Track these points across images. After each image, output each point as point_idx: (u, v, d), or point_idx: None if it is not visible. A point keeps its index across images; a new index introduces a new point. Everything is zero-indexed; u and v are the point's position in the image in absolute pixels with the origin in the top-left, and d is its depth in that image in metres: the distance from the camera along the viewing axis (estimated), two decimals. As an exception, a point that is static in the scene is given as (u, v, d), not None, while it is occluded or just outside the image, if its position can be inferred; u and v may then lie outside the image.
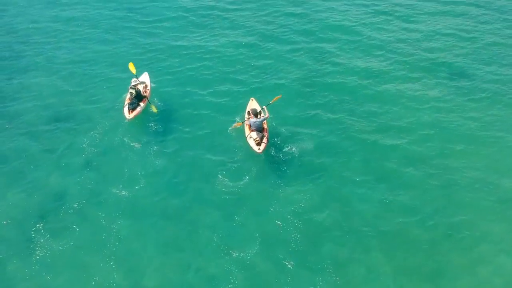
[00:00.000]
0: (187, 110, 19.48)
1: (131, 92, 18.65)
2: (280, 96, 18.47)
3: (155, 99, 19.71)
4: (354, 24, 24.65)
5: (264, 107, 17.88)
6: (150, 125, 18.63)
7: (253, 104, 18.82)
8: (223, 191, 15.98)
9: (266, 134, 17.45)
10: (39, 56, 22.81)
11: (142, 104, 18.87)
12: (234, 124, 17.98)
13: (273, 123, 18.54)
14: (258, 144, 16.95)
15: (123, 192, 15.95)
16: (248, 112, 17.93)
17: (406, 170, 16.65)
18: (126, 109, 18.58)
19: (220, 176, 16.45)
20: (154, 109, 18.87)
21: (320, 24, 24.74)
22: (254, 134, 17.09)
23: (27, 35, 24.47)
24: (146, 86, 19.67)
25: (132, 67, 19.80)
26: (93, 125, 18.60)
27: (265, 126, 17.72)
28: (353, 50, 22.79)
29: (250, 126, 17.46)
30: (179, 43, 23.55)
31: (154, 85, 20.36)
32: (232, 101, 19.77)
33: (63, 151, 17.58)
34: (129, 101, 18.66)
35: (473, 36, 23.81)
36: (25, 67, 22.06)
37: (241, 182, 16.22)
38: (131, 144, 17.81)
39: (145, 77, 20.40)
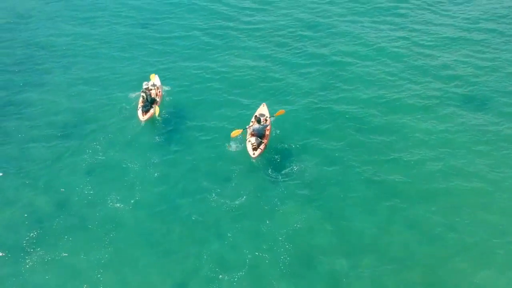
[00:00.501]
0: (193, 127, 19.48)
1: (142, 96, 19.33)
2: (283, 111, 18.54)
3: (164, 112, 19.97)
4: (368, 48, 24.25)
5: (269, 117, 18.37)
6: (155, 138, 18.81)
7: (263, 110, 19.06)
8: (218, 208, 15.80)
9: (265, 141, 17.64)
10: (53, 69, 23.27)
11: (154, 106, 19.59)
12: (234, 132, 17.84)
13: (277, 141, 18.44)
14: (255, 149, 17.21)
15: (119, 205, 15.97)
16: (255, 116, 18.01)
17: (408, 203, 16.00)
18: (140, 112, 19.32)
19: (216, 193, 16.29)
20: (157, 111, 19.18)
21: (333, 48, 24.40)
22: (253, 139, 17.30)
23: (45, 47, 25.06)
24: (157, 88, 20.25)
25: (153, 77, 20.34)
26: (97, 137, 18.80)
27: (267, 133, 17.91)
28: (365, 75, 22.25)
29: (252, 130, 17.64)
30: (190, 61, 23.67)
31: (168, 88, 21.17)
32: (237, 120, 19.60)
33: (67, 161, 17.82)
34: (142, 104, 19.41)
35: (492, 65, 22.76)
36: (39, 79, 22.54)
37: (237, 200, 16.00)
38: (133, 156, 17.94)
39: (155, 79, 20.98)
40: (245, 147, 17.77)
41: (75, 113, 20.23)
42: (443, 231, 14.89)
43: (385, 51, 23.76)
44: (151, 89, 19.77)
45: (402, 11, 27.35)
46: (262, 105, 19.43)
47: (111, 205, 15.96)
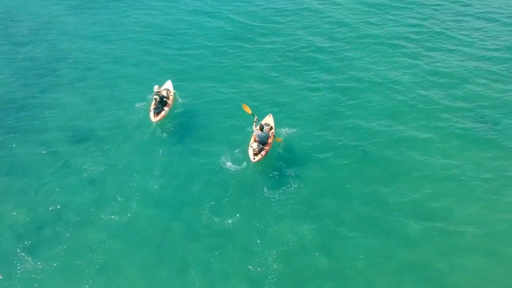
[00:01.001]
0: (198, 137, 19.69)
1: (155, 98, 20.17)
2: (281, 140, 19.08)
3: (170, 124, 20.45)
4: (381, 67, 23.81)
5: (268, 120, 19.39)
6: (159, 150, 19.01)
7: (269, 120, 19.59)
8: (210, 225, 15.79)
9: (267, 148, 18.21)
10: (69, 77, 23.82)
11: (166, 108, 20.60)
12: (246, 107, 18.94)
13: (278, 158, 18.42)
14: (255, 154, 17.83)
15: (114, 217, 16.19)
16: (260, 124, 18.32)
17: (407, 226, 15.63)
18: (151, 114, 20.28)
19: (211, 208, 16.32)
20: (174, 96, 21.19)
21: (344, 72, 23.81)
22: (254, 145, 18.09)
23: (64, 56, 25.69)
24: (169, 92, 21.27)
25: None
26: (103, 147, 19.16)
27: (269, 141, 18.42)
28: (373, 101, 21.61)
29: (255, 137, 18.15)
30: (202, 76, 23.76)
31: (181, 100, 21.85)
32: (243, 134, 19.65)
33: (71, 168, 18.20)
34: (154, 106, 20.36)
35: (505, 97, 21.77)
36: (55, 86, 23.13)
37: (230, 218, 15.96)
38: (135, 167, 18.20)
39: (168, 85, 22.03)
40: (246, 158, 18.03)
41: (85, 122, 20.66)
42: (440, 270, 14.38)
43: (395, 78, 23.02)
44: (162, 92, 20.64)
45: (416, 37, 26.50)
46: (268, 115, 19.87)
47: (106, 216, 16.20)
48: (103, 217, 16.17)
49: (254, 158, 17.71)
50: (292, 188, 16.98)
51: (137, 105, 21.23)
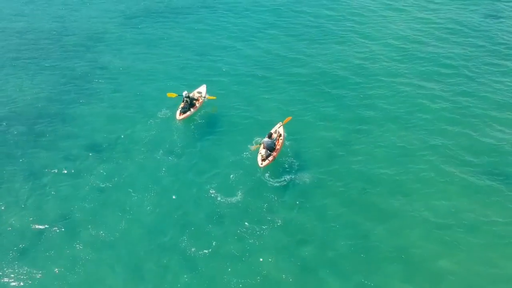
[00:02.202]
0: (216, 149, 21.08)
1: (186, 100, 22.49)
2: (290, 117, 20.88)
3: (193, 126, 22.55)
4: (399, 108, 23.68)
5: (278, 128, 20.83)
6: (162, 168, 20.03)
7: (279, 128, 20.97)
8: (194, 255, 16.54)
9: (275, 154, 19.69)
10: (103, 90, 25.51)
11: (192, 109, 22.77)
12: (252, 147, 20.37)
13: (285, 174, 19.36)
14: (263, 160, 19.33)
15: (111, 227, 17.44)
16: (270, 132, 19.99)
17: (389, 272, 15.69)
18: (178, 112, 22.53)
19: (202, 232, 17.22)
20: (210, 97, 23.23)
21: (365, 103, 24.01)
22: (263, 151, 19.63)
23: (103, 69, 27.48)
24: (200, 95, 23.47)
25: (171, 95, 22.78)
26: (119, 159, 20.52)
27: (277, 147, 19.98)
28: (389, 138, 21.57)
29: (264, 144, 19.61)
30: (226, 97, 24.82)
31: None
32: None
33: (84, 178, 19.53)
34: (182, 106, 22.62)
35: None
36: (87, 97, 24.87)
37: (210, 245, 16.70)
38: (143, 183, 19.30)
39: (202, 88, 24.14)
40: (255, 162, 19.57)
41: (104, 134, 22.03)
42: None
43: (411, 120, 22.63)
44: (192, 96, 22.95)
45: (442, 78, 25.87)
46: (279, 123, 21.24)
47: (104, 226, 17.43)
48: (101, 225, 17.43)
49: (261, 164, 19.22)
50: (277, 224, 17.46)
51: (154, 122, 22.52)
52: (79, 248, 16.65)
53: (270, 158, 19.49)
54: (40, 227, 17.43)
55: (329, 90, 24.90)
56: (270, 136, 19.70)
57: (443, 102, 23.64)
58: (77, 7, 35.17)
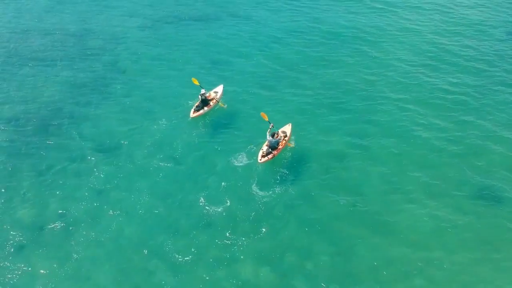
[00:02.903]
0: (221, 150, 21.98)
1: (202, 100, 23.85)
2: (290, 124, 22.35)
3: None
4: (398, 124, 23.64)
5: (287, 136, 21.90)
6: (159, 174, 20.82)
7: (287, 128, 22.32)
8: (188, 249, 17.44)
9: (275, 152, 20.91)
10: (116, 92, 26.57)
11: (206, 108, 24.14)
12: (264, 114, 21.58)
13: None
14: (263, 156, 20.56)
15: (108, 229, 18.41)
16: (277, 132, 21.46)
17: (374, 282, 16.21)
18: (192, 110, 23.89)
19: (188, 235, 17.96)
20: (222, 105, 24.46)
21: (367, 112, 24.40)
22: (265, 148, 21.03)
23: (121, 70, 28.66)
24: (216, 94, 24.75)
25: (195, 81, 23.97)
26: (122, 161, 21.44)
27: (279, 147, 21.15)
28: (389, 148, 21.95)
29: (268, 142, 20.98)
30: (242, 98, 25.68)
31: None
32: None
33: (85, 178, 20.58)
34: (197, 105, 24.03)
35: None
36: (101, 98, 25.99)
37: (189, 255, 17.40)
38: (142, 186, 20.25)
39: (219, 88, 25.36)
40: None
41: (115, 137, 22.99)
42: None
43: (413, 143, 22.39)
44: (207, 94, 24.26)
45: (444, 104, 25.12)
46: (288, 124, 22.61)
47: (98, 226, 18.42)
48: (105, 220, 18.65)
49: (260, 159, 20.48)
50: (262, 231, 18.02)
51: (160, 127, 23.36)
52: (72, 245, 17.68)
53: (270, 155, 20.71)
54: (38, 223, 18.54)
55: (333, 104, 25.11)
56: (273, 135, 20.96)
57: (442, 126, 23.38)
58: (102, 11, 36.49)
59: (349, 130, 23.14)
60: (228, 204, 19.04)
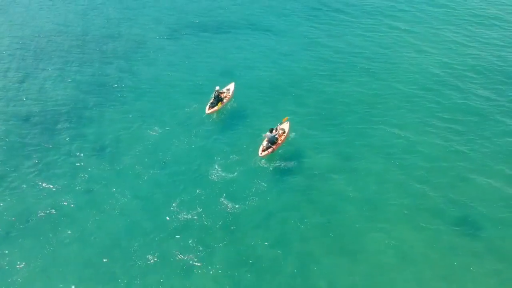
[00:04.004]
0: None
1: (215, 97, 25.76)
2: (287, 117, 24.10)
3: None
4: (392, 147, 23.79)
5: (282, 125, 23.85)
6: (161, 170, 22.10)
7: (285, 125, 24.10)
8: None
9: (274, 147, 22.83)
10: (128, 95, 28.04)
11: (220, 104, 26.02)
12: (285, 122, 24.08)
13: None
14: (263, 150, 22.49)
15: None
16: (277, 127, 23.44)
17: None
18: (207, 106, 25.91)
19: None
20: (219, 107, 25.92)
21: (364, 132, 24.79)
22: (265, 143, 22.98)
23: (135, 75, 30.03)
24: (228, 92, 26.74)
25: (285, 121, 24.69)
26: (117, 164, 22.77)
27: (279, 141, 23.11)
28: (376, 170, 22.36)
29: (266, 137, 22.81)
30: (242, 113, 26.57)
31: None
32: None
33: (79, 177, 22.08)
34: (211, 101, 25.94)
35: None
36: (111, 101, 27.48)
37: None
38: (123, 186, 21.55)
39: (230, 86, 27.48)
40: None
41: (116, 140, 24.36)
42: None
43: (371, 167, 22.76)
44: (221, 92, 26.24)
45: (442, 130, 25.36)
46: (285, 118, 24.36)
47: (80, 224, 19.85)
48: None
49: (260, 153, 22.39)
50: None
51: (161, 135, 24.55)
52: (53, 239, 19.13)
53: (269, 149, 22.58)
54: (27, 216, 20.09)
55: (328, 123, 25.53)
56: (271, 131, 22.70)
57: (432, 155, 23.28)
58: (130, 18, 37.92)
59: (339, 150, 23.58)
60: (199, 211, 20.10)
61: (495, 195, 20.95)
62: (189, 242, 18.88)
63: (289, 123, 24.29)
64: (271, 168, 22.32)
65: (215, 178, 21.67)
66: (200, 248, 18.60)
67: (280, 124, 24.03)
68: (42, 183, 21.70)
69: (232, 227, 19.46)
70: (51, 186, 21.50)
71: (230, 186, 21.24)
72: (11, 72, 30.14)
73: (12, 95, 27.94)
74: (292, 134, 24.14)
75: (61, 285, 17.50)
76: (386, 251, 18.60)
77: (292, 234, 19.27)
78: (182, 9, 38.65)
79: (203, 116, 25.47)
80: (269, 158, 22.73)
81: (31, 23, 36.08)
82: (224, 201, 20.49)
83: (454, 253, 18.49)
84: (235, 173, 21.83)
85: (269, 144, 22.76)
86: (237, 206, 20.30)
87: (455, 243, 18.87)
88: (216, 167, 22.17)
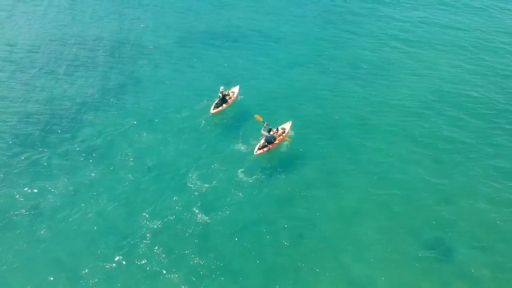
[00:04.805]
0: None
1: (219, 96, 26.56)
2: (290, 122, 25.23)
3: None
4: (379, 164, 23.52)
5: (283, 132, 24.56)
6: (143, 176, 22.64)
7: (287, 125, 25.08)
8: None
9: (270, 146, 23.56)
10: (130, 101, 28.63)
11: (224, 105, 26.79)
12: (258, 116, 24.64)
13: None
14: (259, 149, 23.22)
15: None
16: (277, 128, 24.45)
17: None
18: (212, 107, 26.59)
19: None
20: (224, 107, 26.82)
21: (354, 146, 24.65)
22: (262, 141, 23.63)
23: (139, 78, 30.82)
24: (233, 94, 27.42)
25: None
26: (104, 168, 23.31)
27: (276, 142, 23.82)
28: (357, 187, 22.20)
29: (264, 137, 23.56)
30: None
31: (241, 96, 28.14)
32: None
33: (66, 178, 22.68)
34: (216, 102, 26.70)
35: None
36: (112, 106, 28.06)
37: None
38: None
39: (235, 89, 28.19)
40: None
41: (108, 145, 24.79)
42: None
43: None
44: (225, 93, 26.78)
45: (437, 152, 25.03)
46: (289, 122, 25.35)
47: (59, 223, 20.53)
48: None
49: (256, 152, 23.11)
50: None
51: (151, 137, 25.19)
52: (27, 237, 19.82)
53: (265, 148, 23.34)
54: (4, 213, 20.81)
55: (319, 136, 25.47)
56: (269, 131, 23.48)
57: (415, 178, 22.83)
58: (148, 23, 38.69)
59: (325, 165, 23.49)
60: (172, 219, 20.43)
61: (476, 219, 20.45)
62: (158, 248, 19.17)
63: (291, 123, 25.19)
64: (250, 181, 22.33)
65: (192, 186, 21.92)
66: (167, 255, 18.87)
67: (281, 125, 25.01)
68: (25, 181, 22.40)
69: (203, 236, 19.66)
70: (34, 185, 22.17)
71: (207, 195, 21.48)
72: (18, 74, 31.26)
73: (14, 95, 29.06)
74: (285, 143, 24.34)
75: (24, 282, 18.10)
76: (352, 270, 18.45)
77: (264, 247, 19.30)
78: (194, 19, 39.10)
79: (199, 120, 26.10)
80: (252, 168, 22.88)
81: (46, 27, 37.31)
82: (197, 210, 20.71)
83: (425, 278, 18.09)
84: (214, 182, 22.05)
85: (266, 143, 23.45)
86: (210, 215, 20.50)
87: (426, 267, 18.46)
88: (195, 176, 22.41)
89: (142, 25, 37.59)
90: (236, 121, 26.48)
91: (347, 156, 24.02)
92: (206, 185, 21.98)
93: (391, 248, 19.23)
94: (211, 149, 24.37)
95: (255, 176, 22.57)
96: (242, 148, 24.13)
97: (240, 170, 22.69)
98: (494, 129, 25.74)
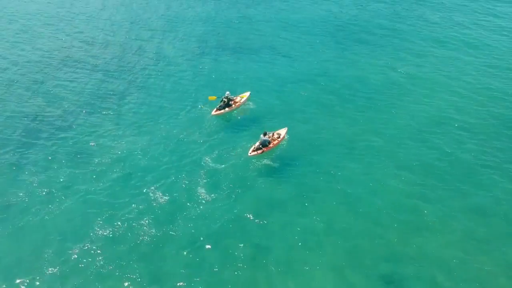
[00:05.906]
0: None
1: (224, 100, 27.40)
2: (286, 128, 25.80)
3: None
4: (364, 187, 22.92)
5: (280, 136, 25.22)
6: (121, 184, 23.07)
7: (282, 131, 25.66)
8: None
9: (264, 149, 24.19)
10: (129, 106, 29.71)
11: (227, 109, 27.54)
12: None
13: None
14: (253, 151, 23.96)
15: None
16: (273, 133, 25.16)
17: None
18: (215, 108, 27.49)
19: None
20: (202, 106, 28.32)
21: (345, 167, 24.24)
22: (256, 144, 24.38)
23: (142, 85, 31.92)
24: (240, 100, 28.20)
25: (212, 98, 27.50)
26: (89, 172, 23.85)
27: (270, 145, 24.39)
28: (336, 209, 21.79)
29: (260, 140, 24.30)
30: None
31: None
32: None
33: (49, 178, 23.42)
34: (220, 104, 27.54)
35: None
36: (109, 110, 29.10)
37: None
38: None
39: (245, 94, 28.91)
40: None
41: (96, 149, 25.56)
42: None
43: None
44: (230, 98, 27.68)
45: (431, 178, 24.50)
46: (285, 128, 26.04)
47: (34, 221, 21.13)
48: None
49: (249, 153, 23.88)
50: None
51: (141, 143, 25.79)
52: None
53: (259, 151, 24.00)
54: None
55: (312, 153, 25.26)
56: (265, 134, 24.32)
57: (398, 203, 22.05)
58: (164, 31, 40.51)
59: (303, 184, 23.11)
60: (147, 225, 20.78)
61: (445, 256, 19.42)
62: (118, 253, 19.46)
63: (287, 129, 25.79)
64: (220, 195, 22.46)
65: (162, 201, 21.97)
66: (117, 261, 19.14)
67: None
68: (5, 176, 23.46)
69: (154, 247, 19.79)
70: (12, 180, 23.19)
71: (172, 209, 21.53)
72: (27, 76, 33.18)
73: (16, 96, 30.72)
74: (268, 160, 24.18)
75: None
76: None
77: (223, 264, 19.15)
78: (211, 31, 40.50)
79: (209, 117, 27.43)
80: (217, 186, 22.78)
81: (63, 34, 39.59)
82: (151, 221, 20.88)
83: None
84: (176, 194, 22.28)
85: (260, 146, 24.03)
86: (163, 228, 20.62)
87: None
88: (154, 187, 22.68)
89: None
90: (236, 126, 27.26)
91: (327, 176, 23.53)
92: (170, 199, 22.15)
93: (343, 278, 18.52)
94: (195, 162, 24.53)
95: (225, 192, 22.42)
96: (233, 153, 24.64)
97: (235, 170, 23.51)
98: (482, 167, 24.40)
